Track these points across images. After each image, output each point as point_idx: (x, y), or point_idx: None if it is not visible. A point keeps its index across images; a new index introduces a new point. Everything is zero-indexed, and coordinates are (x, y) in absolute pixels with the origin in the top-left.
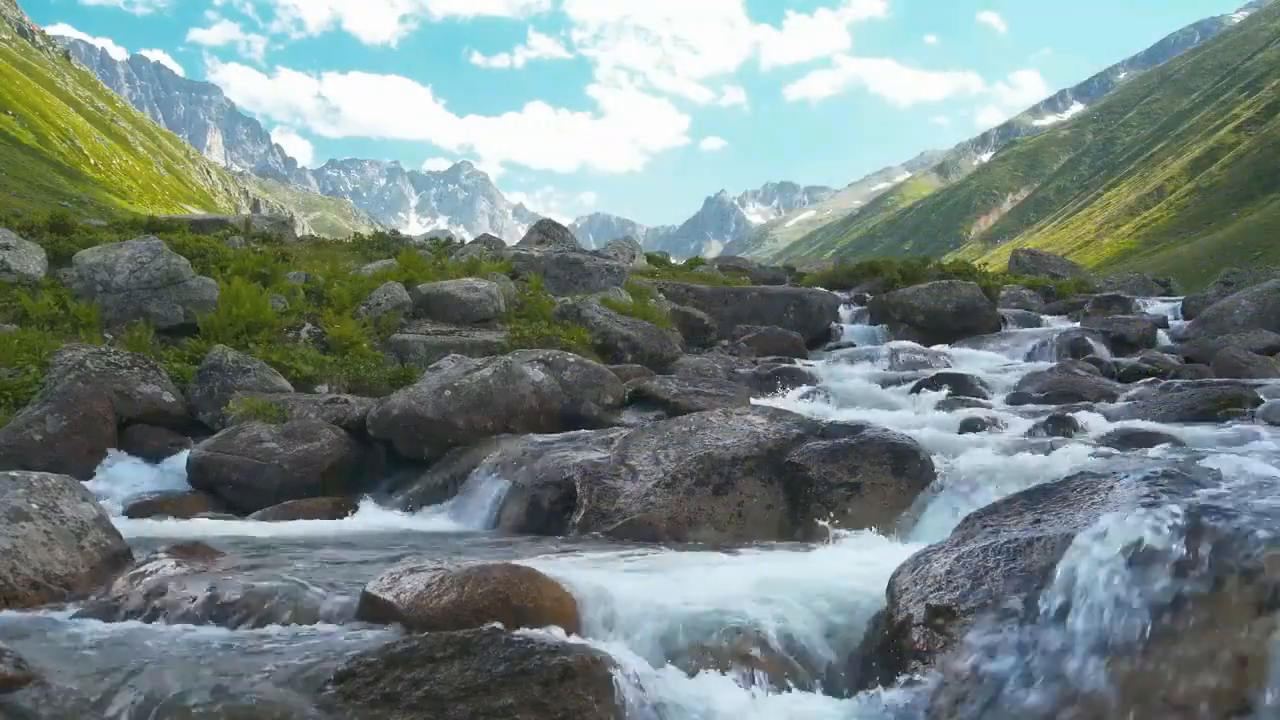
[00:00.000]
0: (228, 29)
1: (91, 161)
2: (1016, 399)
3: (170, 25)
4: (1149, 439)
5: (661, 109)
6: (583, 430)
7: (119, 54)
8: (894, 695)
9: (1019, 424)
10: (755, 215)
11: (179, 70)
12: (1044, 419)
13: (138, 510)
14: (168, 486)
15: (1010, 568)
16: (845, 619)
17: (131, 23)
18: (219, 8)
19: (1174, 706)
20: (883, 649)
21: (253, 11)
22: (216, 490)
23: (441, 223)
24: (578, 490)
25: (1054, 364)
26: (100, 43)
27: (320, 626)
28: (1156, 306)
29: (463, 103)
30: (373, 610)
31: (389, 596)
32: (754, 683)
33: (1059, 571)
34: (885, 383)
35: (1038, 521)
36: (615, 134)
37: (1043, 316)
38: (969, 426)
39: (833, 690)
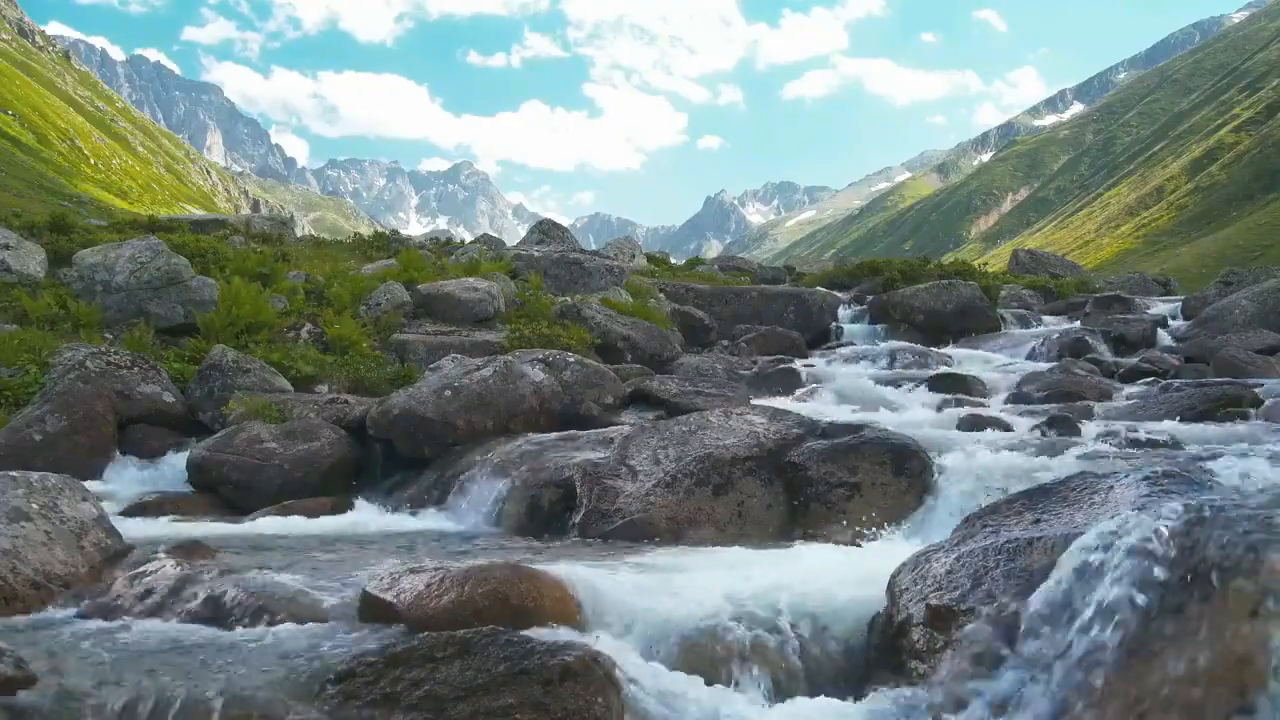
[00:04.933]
0: (223, 27)
1: (91, 161)
2: (1016, 399)
3: (166, 24)
4: (1149, 439)
5: (658, 108)
6: (583, 430)
7: (117, 53)
8: (894, 695)
9: (1019, 424)
10: (755, 215)
11: (176, 69)
12: (1044, 419)
13: (138, 510)
14: (168, 486)
15: (1010, 568)
16: (845, 619)
17: (126, 21)
18: (214, 6)
19: (1174, 706)
20: (883, 649)
21: (248, 10)
22: (216, 490)
23: (441, 223)
24: (578, 490)
25: (1054, 364)
26: (95, 41)
27: (320, 626)
28: (1156, 306)
29: (459, 102)
30: (373, 610)
31: (389, 596)
32: (754, 682)
33: (1059, 572)
34: (885, 383)
35: (1038, 521)
36: (613, 133)
37: (1043, 316)
38: (969, 426)
39: (833, 690)
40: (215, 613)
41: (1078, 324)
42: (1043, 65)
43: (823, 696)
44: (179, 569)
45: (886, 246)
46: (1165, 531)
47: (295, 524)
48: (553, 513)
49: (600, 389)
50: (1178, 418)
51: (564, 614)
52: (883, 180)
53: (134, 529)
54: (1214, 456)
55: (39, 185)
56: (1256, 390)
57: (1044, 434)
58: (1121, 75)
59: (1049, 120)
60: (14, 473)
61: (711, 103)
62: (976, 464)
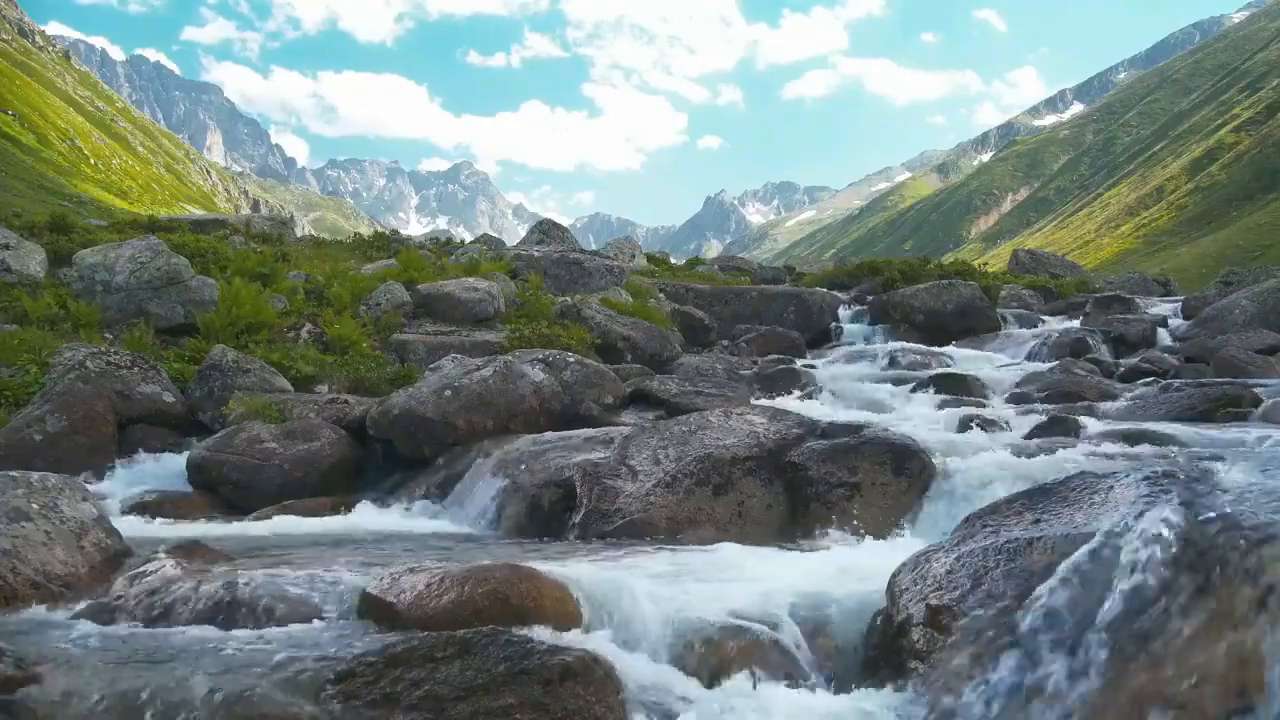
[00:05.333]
0: (223, 27)
1: (91, 161)
2: (1016, 399)
3: (165, 23)
4: (1149, 439)
5: (658, 108)
6: (583, 430)
7: (117, 53)
8: (894, 695)
9: (1019, 424)
10: (755, 215)
11: (176, 69)
12: (1044, 419)
13: (137, 510)
14: (168, 486)
15: (1010, 568)
16: (845, 619)
17: (125, 21)
18: (214, 6)
19: (1174, 706)
20: (883, 649)
21: (248, 10)
22: (216, 490)
23: (441, 223)
24: (578, 490)
25: (1054, 364)
26: (95, 41)
27: (320, 626)
28: (1156, 306)
29: (459, 102)
30: (372, 610)
31: (389, 596)
32: (754, 682)
33: (1059, 572)
34: (885, 383)
35: (1038, 521)
36: (612, 133)
37: (1043, 316)
38: (969, 426)
39: (833, 690)
40: (215, 613)
41: (1078, 324)
42: (1043, 65)
43: (823, 696)
44: (179, 569)
45: (886, 246)
46: (1165, 532)
47: (295, 524)
48: (553, 513)
49: (600, 389)
50: (1178, 418)
51: (564, 614)
52: (883, 180)
53: (134, 529)
54: (1214, 457)
55: (39, 185)
56: (1256, 390)
57: (1044, 434)
58: (1121, 75)
59: (1049, 120)
60: (14, 473)
61: (711, 103)
62: (976, 464)
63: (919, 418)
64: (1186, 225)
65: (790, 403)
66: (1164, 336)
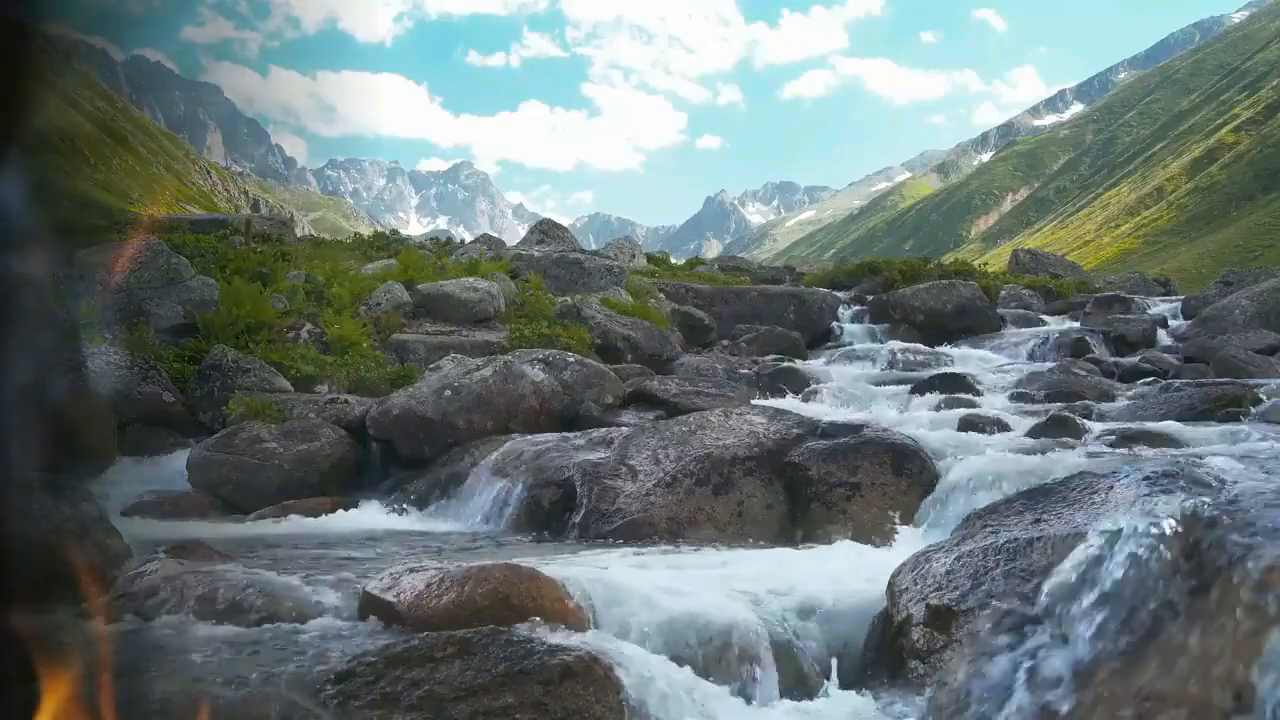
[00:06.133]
0: (222, 27)
1: (91, 161)
2: (1016, 399)
3: (164, 23)
4: (1149, 439)
5: (657, 107)
6: (583, 430)
7: (116, 53)
8: (894, 695)
9: (1019, 424)
10: (755, 215)
11: (176, 69)
12: (1044, 419)
13: (137, 510)
14: (168, 486)
15: (1010, 568)
16: (845, 619)
17: (125, 21)
18: (213, 5)
19: (1174, 707)
20: (883, 649)
21: (247, 9)
22: (216, 490)
23: (441, 223)
24: (578, 490)
25: (1054, 364)
26: (95, 41)
27: (320, 626)
28: (1156, 306)
29: (458, 102)
30: (373, 610)
31: (389, 596)
32: (754, 682)
33: (1058, 572)
34: (885, 383)
35: (1038, 521)
36: (611, 133)
37: (1043, 316)
38: (969, 426)
39: (833, 690)
40: (214, 612)
41: (1078, 324)
42: (1043, 65)
43: (823, 696)
44: (179, 569)
45: (887, 246)
46: (1164, 533)
47: (295, 524)
48: (553, 513)
49: (600, 389)
50: (1178, 418)
51: (564, 614)
52: (883, 180)
53: (134, 529)
54: (1214, 456)
55: (39, 185)
56: (1257, 390)
57: (1044, 434)
58: (1121, 75)
59: (1049, 120)
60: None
61: (711, 103)
62: (976, 464)
63: (919, 418)
64: (1186, 225)
65: (790, 403)
66: (1164, 336)
